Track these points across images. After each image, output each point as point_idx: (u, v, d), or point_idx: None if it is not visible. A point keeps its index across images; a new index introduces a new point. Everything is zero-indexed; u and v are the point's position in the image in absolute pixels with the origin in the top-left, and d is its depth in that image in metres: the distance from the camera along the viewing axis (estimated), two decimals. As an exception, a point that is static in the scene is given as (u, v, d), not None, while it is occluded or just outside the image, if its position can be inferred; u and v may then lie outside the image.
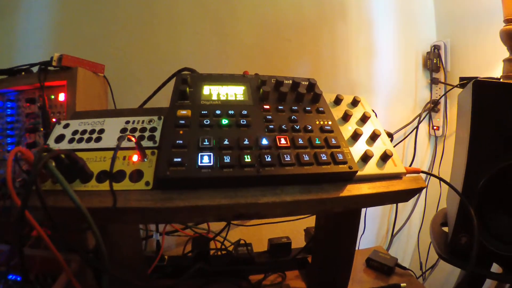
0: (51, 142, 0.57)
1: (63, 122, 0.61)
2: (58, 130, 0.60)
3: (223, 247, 0.99)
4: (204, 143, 0.49)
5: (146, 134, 0.57)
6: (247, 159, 0.47)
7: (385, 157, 0.56)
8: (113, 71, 1.03)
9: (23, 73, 0.91)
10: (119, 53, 1.18)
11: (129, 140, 0.51)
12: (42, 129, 0.88)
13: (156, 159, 0.51)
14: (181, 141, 0.49)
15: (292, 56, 1.35)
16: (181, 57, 1.23)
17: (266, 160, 0.48)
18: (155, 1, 1.21)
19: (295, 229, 1.07)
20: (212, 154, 0.48)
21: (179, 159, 0.46)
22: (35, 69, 0.90)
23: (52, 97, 0.89)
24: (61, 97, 0.88)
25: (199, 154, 0.47)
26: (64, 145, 0.56)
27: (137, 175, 0.50)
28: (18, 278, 0.78)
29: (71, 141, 0.57)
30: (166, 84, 0.90)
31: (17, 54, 1.16)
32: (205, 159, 0.46)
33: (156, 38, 1.21)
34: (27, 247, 0.78)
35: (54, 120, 0.87)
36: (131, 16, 1.20)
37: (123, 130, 0.59)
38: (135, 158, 0.52)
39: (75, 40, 1.16)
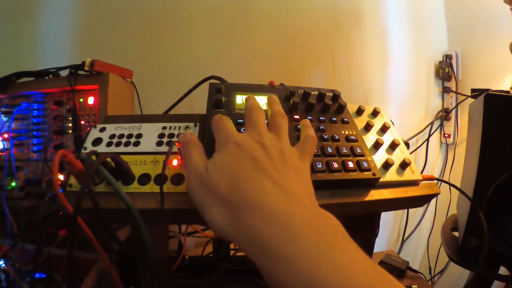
0: (88, 145, 0.58)
1: (99, 126, 0.63)
2: (94, 134, 0.61)
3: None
4: (242, 150, 0.53)
5: (184, 140, 0.60)
6: (283, 165, 0.51)
7: (404, 165, 0.61)
8: (137, 77, 1.07)
9: (50, 76, 0.94)
10: (143, 59, 1.23)
11: (168, 145, 0.55)
12: (70, 131, 0.90)
13: (196, 163, 0.55)
14: (221, 148, 0.53)
15: (308, 63, 1.39)
16: (202, 63, 1.28)
17: (300, 167, 0.52)
18: (178, 9, 1.26)
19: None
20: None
21: (220, 165, 0.50)
22: (62, 72, 0.93)
23: (81, 100, 0.91)
24: (90, 100, 0.91)
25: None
26: (102, 148, 0.58)
27: (177, 178, 0.52)
28: (43, 276, 0.82)
29: (109, 144, 0.59)
30: (192, 91, 0.94)
31: (41, 56, 1.22)
32: (244, 165, 0.50)
33: (179, 44, 1.27)
34: (54, 246, 0.80)
35: (82, 122, 0.90)
36: (156, 24, 1.25)
37: (161, 135, 0.60)
38: (175, 162, 0.54)
39: (98, 44, 1.21)
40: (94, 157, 0.49)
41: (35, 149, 0.91)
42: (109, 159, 0.50)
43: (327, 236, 0.30)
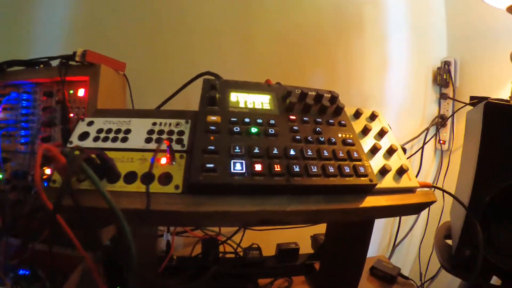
0: (74, 139, 0.56)
1: (87, 119, 0.61)
2: (81, 127, 0.59)
3: (236, 249, 1.02)
4: (236, 151, 0.51)
5: (174, 137, 0.57)
6: (277, 168, 0.49)
7: (401, 171, 0.59)
8: (130, 70, 1.03)
9: (41, 65, 0.91)
10: (138, 52, 1.20)
11: (157, 142, 0.53)
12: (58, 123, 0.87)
13: (185, 163, 0.52)
14: (213, 147, 0.51)
15: (307, 65, 1.38)
16: (198, 59, 1.26)
17: (295, 170, 0.50)
18: (176, 2, 1.23)
19: (301, 235, 1.08)
20: (244, 161, 0.50)
21: (211, 165, 0.48)
22: (53, 62, 0.90)
23: (71, 92, 0.88)
24: (80, 92, 0.87)
25: (232, 161, 0.49)
26: (88, 143, 0.56)
27: (165, 178, 0.50)
28: (27, 273, 0.78)
29: (96, 139, 0.57)
30: (186, 87, 0.91)
31: (34, 46, 1.17)
32: (238, 166, 0.49)
33: (175, 38, 1.24)
34: (38, 242, 0.77)
35: (71, 115, 0.86)
36: (152, 16, 1.22)
37: (150, 132, 0.59)
38: (163, 160, 0.52)
39: (93, 35, 1.18)
40: (77, 152, 0.47)
41: (22, 141, 0.88)
42: (94, 155, 0.47)
43: None
